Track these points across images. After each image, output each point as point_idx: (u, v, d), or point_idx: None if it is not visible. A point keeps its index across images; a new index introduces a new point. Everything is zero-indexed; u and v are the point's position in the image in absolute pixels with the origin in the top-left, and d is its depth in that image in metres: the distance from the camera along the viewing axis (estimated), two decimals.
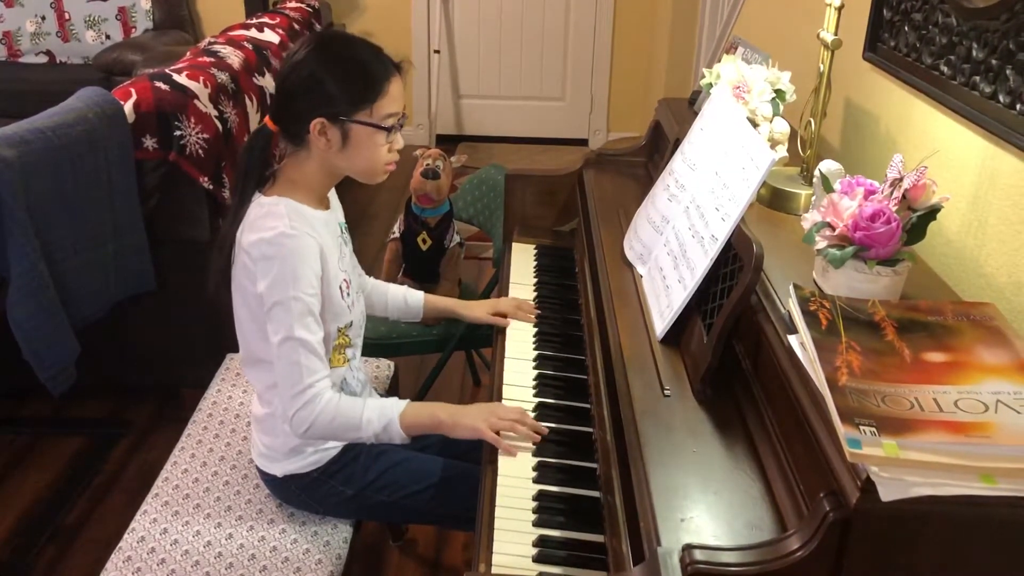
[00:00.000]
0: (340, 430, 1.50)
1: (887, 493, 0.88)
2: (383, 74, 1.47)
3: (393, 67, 1.49)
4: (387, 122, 1.48)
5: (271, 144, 1.52)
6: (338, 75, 1.44)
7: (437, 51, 5.04)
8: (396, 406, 1.52)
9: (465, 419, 1.50)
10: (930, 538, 0.91)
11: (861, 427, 0.92)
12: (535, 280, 1.99)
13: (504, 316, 1.82)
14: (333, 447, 1.61)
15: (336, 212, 1.63)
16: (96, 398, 2.78)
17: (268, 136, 1.51)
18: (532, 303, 1.87)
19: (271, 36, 3.32)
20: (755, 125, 1.71)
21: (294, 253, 1.43)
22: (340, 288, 1.54)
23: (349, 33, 1.51)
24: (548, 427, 1.50)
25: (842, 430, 0.92)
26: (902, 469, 0.89)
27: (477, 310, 1.86)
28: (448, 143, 5.18)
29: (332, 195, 1.64)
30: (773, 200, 1.66)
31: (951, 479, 0.88)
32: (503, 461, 1.43)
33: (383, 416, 1.50)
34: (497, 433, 1.47)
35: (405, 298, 1.89)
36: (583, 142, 5.31)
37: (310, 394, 1.45)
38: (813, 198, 1.58)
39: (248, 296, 1.50)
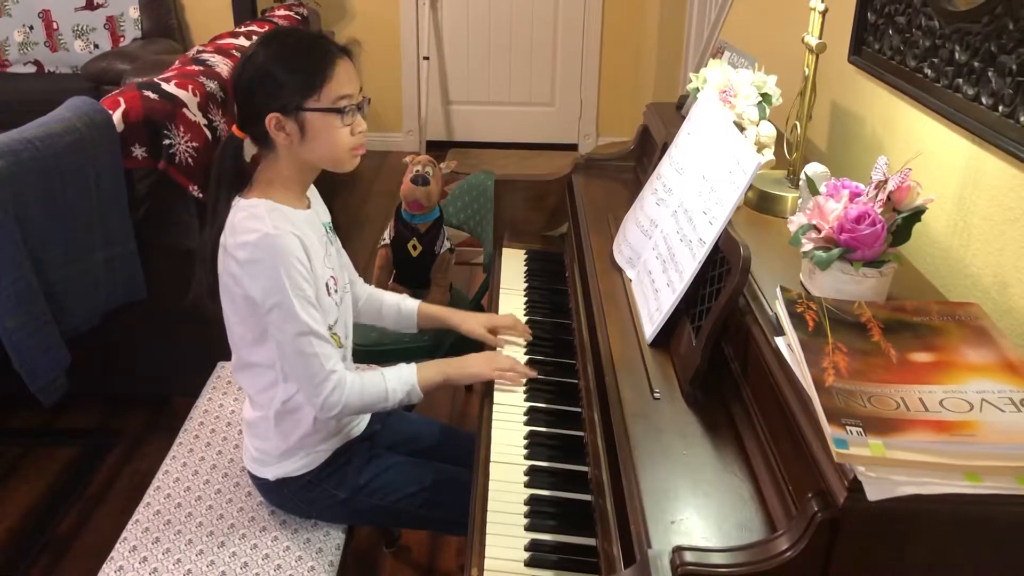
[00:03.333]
0: (368, 405, 1.58)
1: (874, 492, 0.88)
2: (327, 58, 1.47)
3: (338, 49, 1.50)
4: (339, 104, 1.47)
5: (242, 152, 1.53)
6: (283, 66, 1.45)
7: (426, 57, 5.05)
8: (412, 373, 1.61)
9: (469, 368, 1.66)
10: (917, 536, 0.92)
11: (848, 427, 0.93)
12: (525, 285, 2.00)
13: (497, 334, 1.78)
14: (325, 449, 1.62)
15: (319, 212, 1.63)
16: (87, 408, 2.78)
17: (238, 145, 1.52)
18: (525, 324, 1.82)
19: None
20: (742, 129, 1.72)
21: (280, 252, 1.44)
22: (327, 286, 1.55)
23: (292, 27, 1.52)
24: (539, 431, 1.51)
25: (829, 430, 0.93)
26: (888, 468, 0.89)
27: (472, 322, 1.82)
28: (438, 149, 5.18)
29: (316, 197, 1.65)
30: (760, 203, 1.67)
31: (937, 478, 0.89)
32: (495, 467, 1.44)
33: (404, 383, 1.59)
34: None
35: (399, 307, 1.87)
36: (573, 147, 5.33)
37: (335, 379, 1.51)
38: (799, 201, 1.59)
39: (236, 299, 1.50)
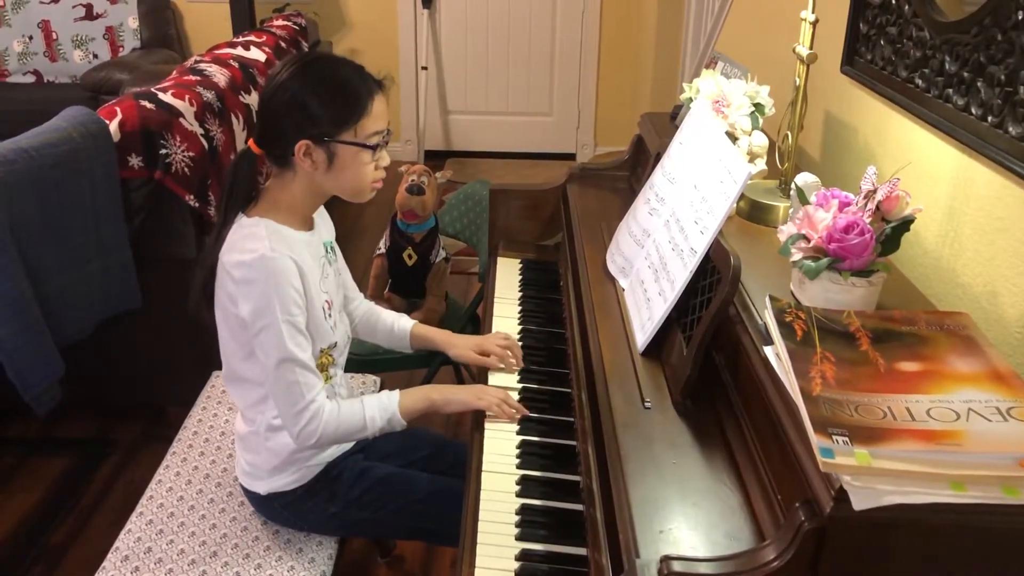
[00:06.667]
0: (345, 435, 1.55)
1: (859, 502, 0.89)
2: (366, 93, 1.47)
3: (375, 85, 1.50)
4: (372, 140, 1.48)
5: (256, 166, 1.52)
6: (321, 96, 1.44)
7: (424, 67, 5.07)
8: (392, 399, 1.58)
9: (456, 395, 1.62)
10: (903, 546, 0.92)
11: (834, 436, 0.93)
12: (520, 294, 2.00)
13: (488, 355, 1.73)
14: (317, 464, 1.61)
15: (321, 232, 1.61)
16: (82, 417, 2.77)
17: (252, 159, 1.51)
18: (519, 344, 1.77)
19: (257, 54, 3.33)
20: (734, 139, 1.73)
21: (275, 275, 1.43)
22: (322, 309, 1.54)
23: (330, 53, 1.53)
24: (532, 440, 1.51)
25: (815, 440, 0.93)
26: (874, 478, 0.89)
27: (462, 347, 1.77)
28: (436, 159, 5.20)
29: (322, 216, 1.64)
30: (752, 213, 1.68)
31: (922, 487, 0.89)
32: (487, 476, 1.44)
33: (384, 411, 1.56)
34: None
35: (393, 326, 1.84)
36: (571, 156, 5.34)
37: (312, 409, 1.49)
38: (790, 210, 1.59)
39: (229, 316, 1.50)
